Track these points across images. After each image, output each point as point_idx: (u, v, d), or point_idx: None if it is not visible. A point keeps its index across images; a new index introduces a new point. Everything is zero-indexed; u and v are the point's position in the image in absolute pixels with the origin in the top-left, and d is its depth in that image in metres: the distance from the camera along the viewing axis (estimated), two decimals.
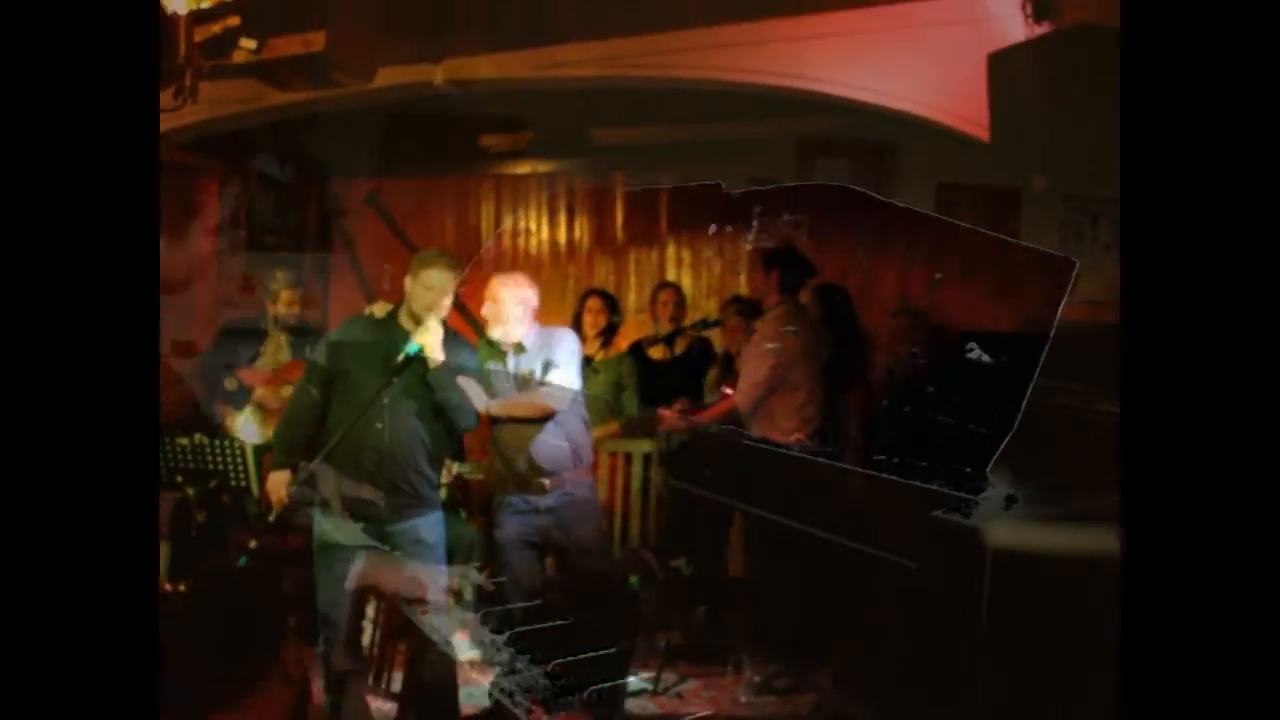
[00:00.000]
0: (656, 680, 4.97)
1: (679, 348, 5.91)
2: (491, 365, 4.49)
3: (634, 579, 5.60)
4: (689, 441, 5.47)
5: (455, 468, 4.85)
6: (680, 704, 4.85)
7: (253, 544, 4.33)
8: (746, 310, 5.64)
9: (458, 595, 2.59)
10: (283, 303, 5.73)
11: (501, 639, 2.63)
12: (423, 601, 2.53)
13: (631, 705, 4.75)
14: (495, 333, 4.47)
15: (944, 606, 3.64)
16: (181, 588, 4.23)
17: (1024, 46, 4.68)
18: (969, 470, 3.54)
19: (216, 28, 5.54)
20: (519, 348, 4.51)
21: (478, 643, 2.86)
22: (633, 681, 4.96)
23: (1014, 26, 4.62)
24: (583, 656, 2.45)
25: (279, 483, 4.27)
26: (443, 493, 4.58)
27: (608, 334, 5.74)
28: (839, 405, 5.17)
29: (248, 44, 5.62)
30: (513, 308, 4.48)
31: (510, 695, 2.33)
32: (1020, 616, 3.38)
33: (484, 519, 4.88)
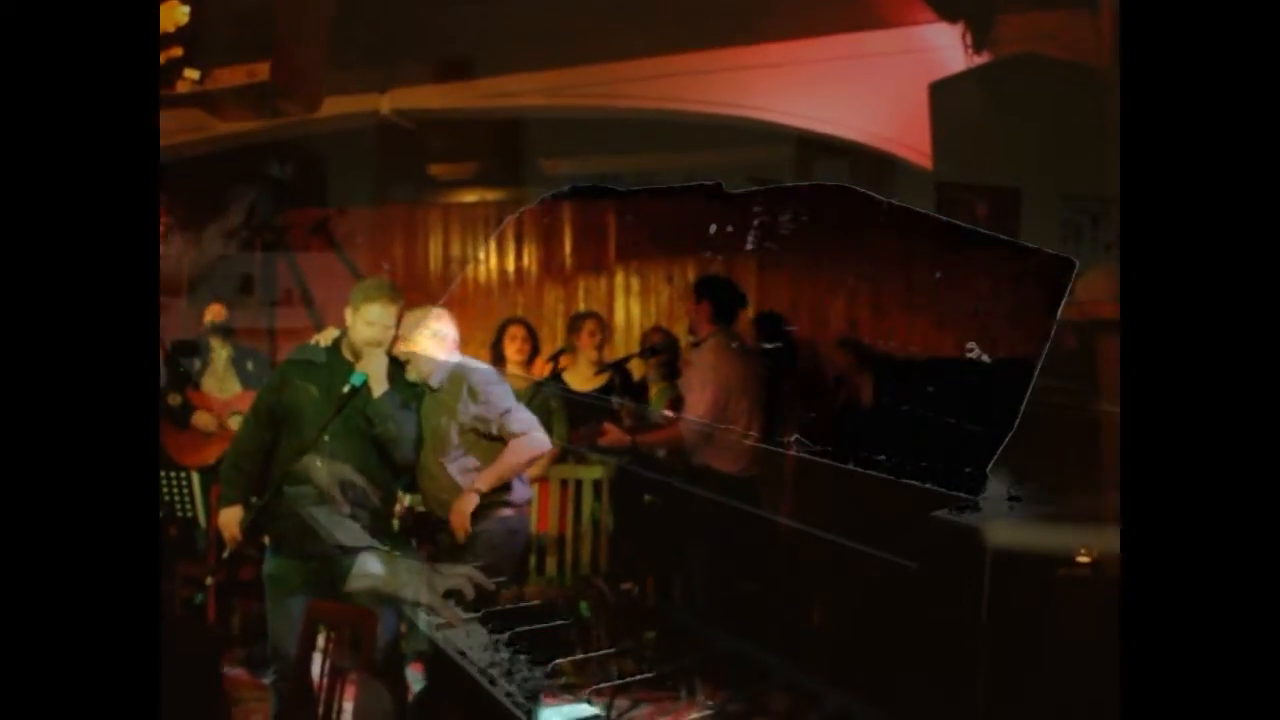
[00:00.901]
0: (609, 707, 4.96)
1: (603, 378, 5.89)
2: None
3: (584, 605, 5.59)
4: (633, 467, 5.48)
5: (406, 499, 4.84)
6: None
7: (209, 580, 4.29)
8: (668, 339, 5.68)
9: (458, 595, 2.57)
10: (210, 313, 5.76)
11: (502, 639, 2.62)
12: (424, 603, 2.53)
13: None
14: (411, 373, 4.40)
15: (944, 606, 3.66)
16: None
17: (964, 76, 4.77)
18: (969, 470, 3.55)
19: (159, 59, 5.52)
20: (427, 388, 4.44)
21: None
22: (586, 709, 4.95)
23: (954, 57, 4.72)
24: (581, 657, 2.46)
25: (231, 520, 4.23)
26: (395, 524, 4.56)
27: (531, 361, 5.75)
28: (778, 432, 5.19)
29: (191, 74, 5.60)
30: (420, 342, 4.40)
31: (509, 695, 2.32)
32: (1020, 616, 3.39)
33: (430, 547, 4.86)
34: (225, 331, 5.76)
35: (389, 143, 6.48)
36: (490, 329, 6.12)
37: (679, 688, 5.08)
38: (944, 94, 4.82)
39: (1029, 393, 3.42)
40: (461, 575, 2.86)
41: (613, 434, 5.21)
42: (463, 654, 2.45)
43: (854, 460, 4.08)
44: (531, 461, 4.46)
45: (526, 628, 2.56)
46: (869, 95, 5.03)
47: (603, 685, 5.02)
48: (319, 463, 4.17)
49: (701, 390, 4.95)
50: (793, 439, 4.75)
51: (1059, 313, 3.45)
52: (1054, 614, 3.31)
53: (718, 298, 5.11)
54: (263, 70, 5.59)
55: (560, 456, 5.54)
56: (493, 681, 2.35)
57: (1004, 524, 3.47)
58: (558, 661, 2.40)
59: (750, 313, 5.65)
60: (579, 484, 5.44)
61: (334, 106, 6.05)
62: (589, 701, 5.00)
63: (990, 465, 3.49)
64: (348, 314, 4.26)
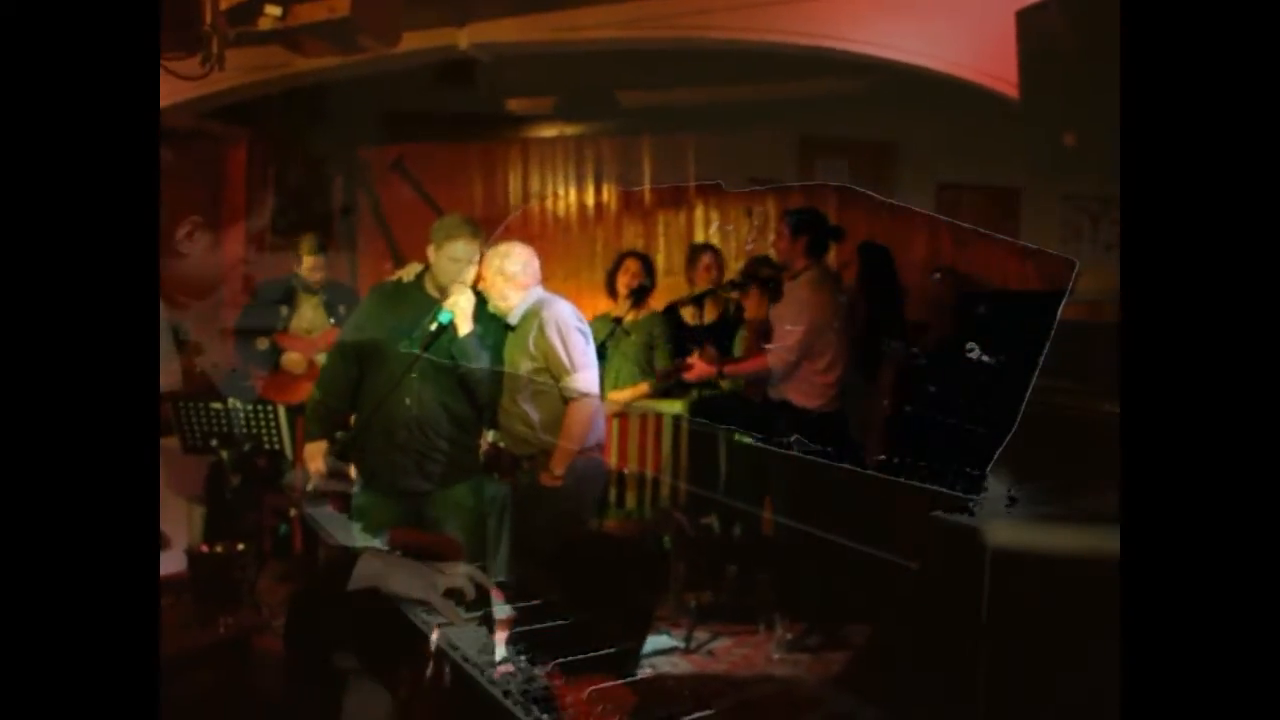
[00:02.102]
0: (688, 639, 5.02)
1: (710, 311, 5.90)
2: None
3: (666, 538, 5.65)
4: (716, 398, 5.49)
5: (491, 436, 4.90)
6: (712, 661, 4.89)
7: (293, 512, 4.39)
8: (773, 271, 5.65)
9: (459, 595, 2.59)
10: (305, 268, 5.83)
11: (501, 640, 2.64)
12: (426, 602, 2.54)
13: (663, 663, 4.80)
14: (491, 307, 4.42)
15: (944, 606, 3.67)
16: (218, 549, 4.30)
17: (1053, 2, 4.64)
18: (969, 470, 3.56)
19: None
20: (507, 325, 4.46)
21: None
22: (664, 640, 5.02)
23: None
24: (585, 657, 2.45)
25: (316, 453, 4.34)
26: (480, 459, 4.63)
27: (639, 295, 5.77)
28: (872, 367, 5.17)
29: (273, 10, 5.62)
30: (496, 279, 4.41)
31: (508, 694, 2.33)
32: (1020, 616, 3.39)
33: (511, 478, 4.92)
34: (310, 288, 5.84)
35: (468, 77, 6.46)
36: (571, 263, 6.15)
37: (758, 620, 5.16)
38: (1032, 21, 4.69)
39: (1029, 393, 3.40)
40: (462, 575, 2.87)
41: (698, 367, 5.23)
42: (461, 652, 2.46)
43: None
44: (589, 424, 4.49)
45: (527, 628, 2.57)
46: (956, 24, 4.90)
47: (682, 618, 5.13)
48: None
49: (794, 323, 4.95)
50: (793, 439, 4.76)
51: (1059, 313, 3.42)
52: (1054, 614, 3.29)
53: (814, 232, 5.09)
54: (342, 5, 5.59)
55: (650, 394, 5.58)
56: (493, 681, 2.36)
57: (1004, 524, 3.46)
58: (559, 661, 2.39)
59: (848, 245, 5.62)
60: (659, 418, 5.47)
61: (412, 41, 6.05)
62: (668, 633, 5.09)
63: (990, 465, 3.48)
64: (430, 252, 4.30)
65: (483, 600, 2.69)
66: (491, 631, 2.63)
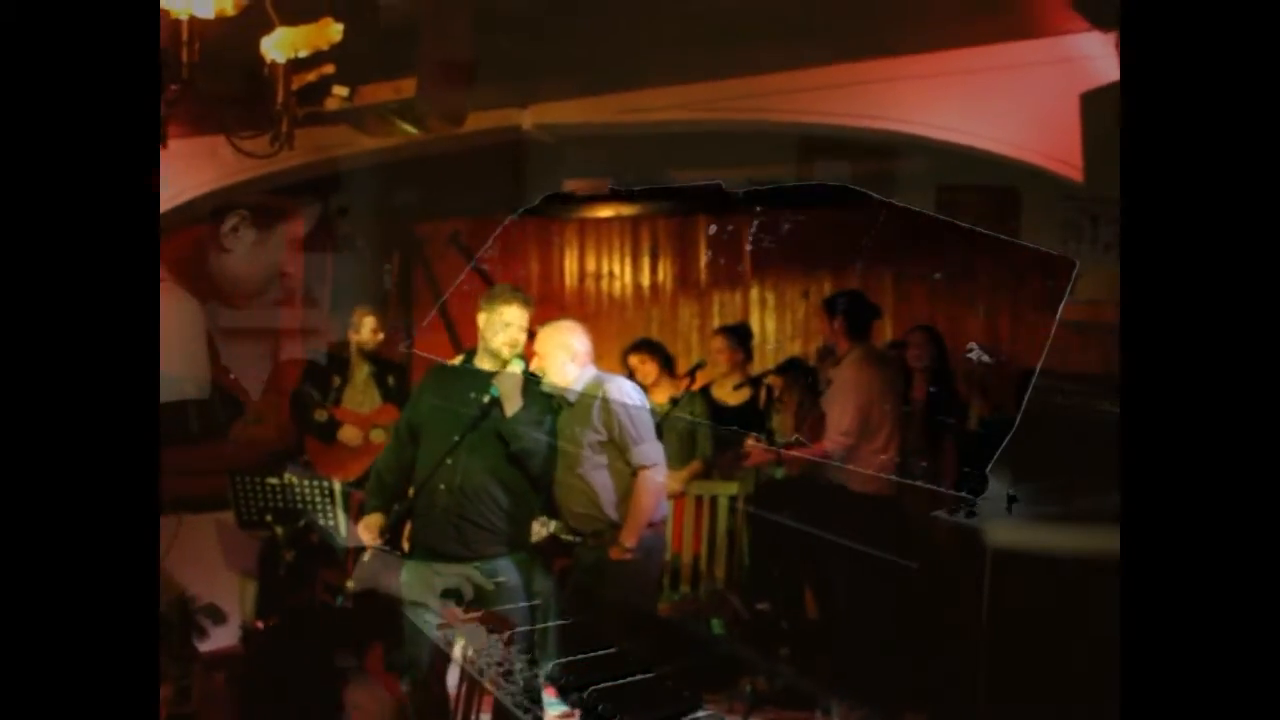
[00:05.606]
0: None
1: (742, 394, 5.86)
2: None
3: (716, 622, 5.57)
4: (776, 481, 5.44)
5: (551, 525, 4.87)
6: None
7: (350, 584, 4.38)
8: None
9: (456, 596, 2.57)
10: (366, 330, 5.87)
11: (501, 638, 2.61)
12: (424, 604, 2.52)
13: None
14: (546, 385, 4.45)
15: (944, 606, 3.64)
16: (272, 624, 4.29)
17: (1118, 85, 4.63)
18: (969, 470, 3.54)
19: (312, 76, 5.66)
20: (564, 401, 4.48)
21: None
22: None
23: (1108, 66, 4.57)
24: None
25: (372, 526, 4.36)
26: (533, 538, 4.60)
27: (692, 374, 5.77)
28: (928, 444, 5.11)
29: (340, 91, 5.73)
30: (554, 355, 4.45)
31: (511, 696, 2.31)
32: (1020, 616, 3.36)
33: (567, 561, 4.87)
34: (374, 358, 5.89)
35: (528, 157, 6.54)
36: (625, 343, 6.16)
37: (814, 705, 5.06)
38: (1097, 104, 4.69)
39: (1029, 392, 3.38)
40: (460, 575, 2.86)
41: (757, 454, 5.20)
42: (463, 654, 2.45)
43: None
44: (659, 494, 4.48)
45: (528, 628, 2.56)
46: (1018, 107, 4.91)
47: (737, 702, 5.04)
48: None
49: (844, 406, 4.93)
50: (794, 439, 4.71)
51: (1059, 313, 3.40)
52: (1054, 614, 3.26)
53: (853, 313, 5.09)
54: (408, 87, 5.70)
55: (704, 472, 5.54)
56: (493, 682, 2.34)
57: (1004, 524, 3.43)
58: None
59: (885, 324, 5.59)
60: (714, 500, 5.43)
61: (477, 122, 6.14)
62: (722, 718, 5.00)
63: (990, 465, 3.45)
64: (481, 319, 4.34)
65: (479, 601, 2.67)
66: (491, 631, 2.62)
